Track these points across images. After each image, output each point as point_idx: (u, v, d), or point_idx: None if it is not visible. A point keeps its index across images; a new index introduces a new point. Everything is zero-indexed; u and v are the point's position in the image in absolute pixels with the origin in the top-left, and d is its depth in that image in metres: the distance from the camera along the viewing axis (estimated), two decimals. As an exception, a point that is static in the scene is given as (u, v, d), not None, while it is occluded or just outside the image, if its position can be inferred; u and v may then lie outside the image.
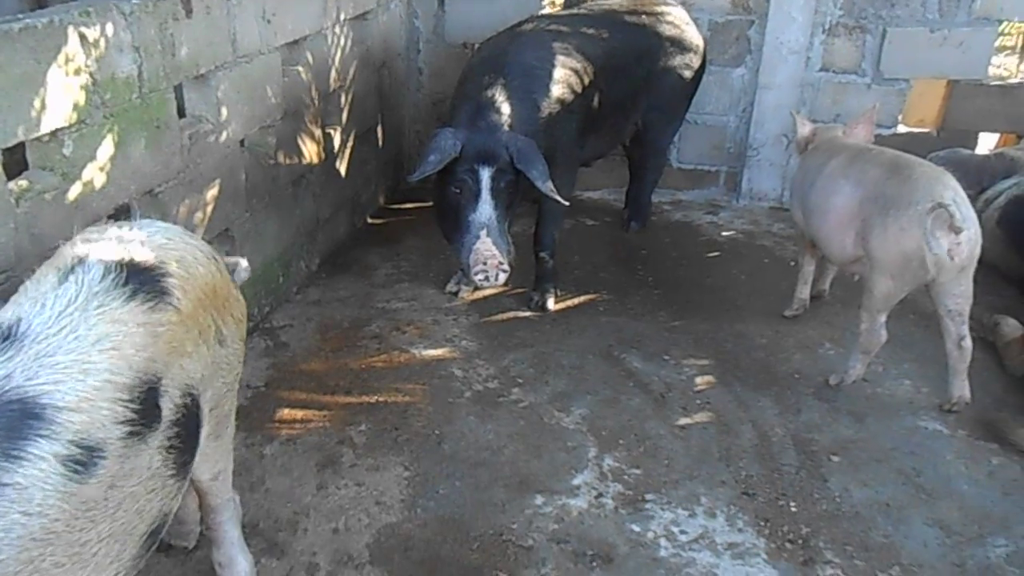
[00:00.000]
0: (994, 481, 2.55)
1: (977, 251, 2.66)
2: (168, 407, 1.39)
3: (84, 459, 1.22)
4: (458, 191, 3.04)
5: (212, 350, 1.56)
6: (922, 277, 2.69)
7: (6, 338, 1.26)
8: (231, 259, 1.90)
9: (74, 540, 1.23)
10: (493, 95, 3.13)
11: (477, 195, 3.01)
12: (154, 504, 1.38)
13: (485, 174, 3.01)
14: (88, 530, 1.24)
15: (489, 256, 2.96)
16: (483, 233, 2.98)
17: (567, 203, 3.19)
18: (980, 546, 2.29)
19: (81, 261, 1.41)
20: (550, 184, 3.03)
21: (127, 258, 1.44)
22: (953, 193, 2.64)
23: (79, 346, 1.28)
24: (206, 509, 1.92)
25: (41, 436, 1.18)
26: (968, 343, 2.78)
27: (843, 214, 2.87)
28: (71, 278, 1.37)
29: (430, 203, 4.66)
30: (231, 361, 1.67)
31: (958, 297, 2.70)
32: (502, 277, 3.01)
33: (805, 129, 3.31)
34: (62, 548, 1.21)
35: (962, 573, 2.20)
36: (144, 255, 1.47)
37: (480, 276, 2.98)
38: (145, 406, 1.33)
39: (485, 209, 3.01)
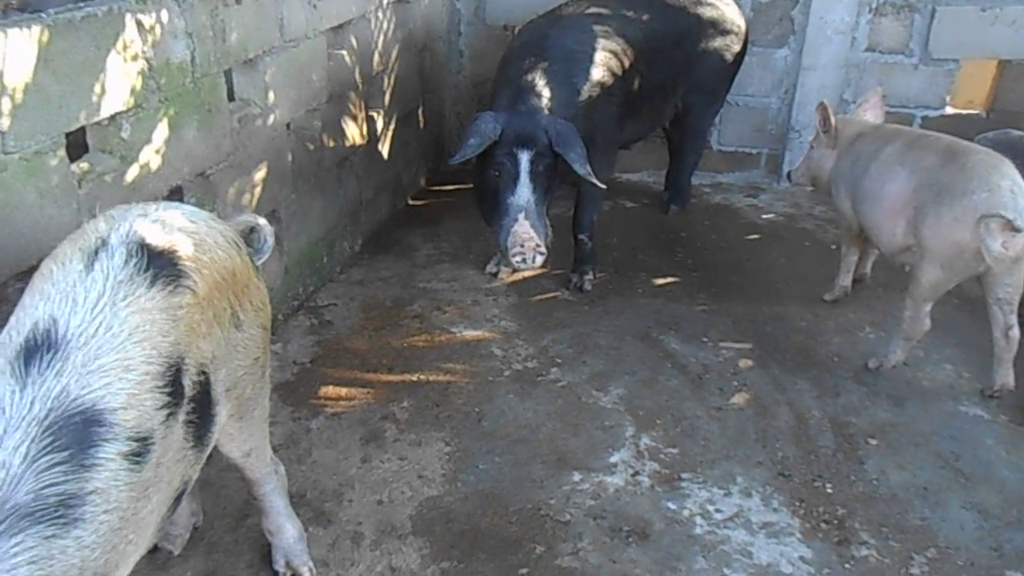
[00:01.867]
0: (1035, 467, 2.54)
1: None
2: (188, 384, 1.45)
3: (140, 449, 1.31)
4: (497, 174, 3.08)
5: (227, 332, 1.60)
6: (974, 268, 2.66)
7: (49, 347, 1.29)
8: (247, 217, 1.92)
9: (138, 518, 1.35)
10: (533, 79, 3.16)
11: (516, 178, 3.04)
12: (179, 471, 1.48)
13: (524, 157, 3.03)
14: (145, 506, 1.36)
15: (527, 239, 2.99)
16: (521, 216, 3.01)
17: (605, 187, 3.21)
18: (1019, 530, 2.29)
19: (104, 244, 1.42)
20: (588, 168, 3.06)
21: (148, 241, 1.45)
22: (1011, 183, 2.58)
23: (116, 343, 1.32)
24: (248, 482, 1.99)
25: (106, 440, 1.26)
26: (1016, 332, 2.74)
27: (896, 201, 2.83)
28: (96, 265, 1.39)
29: (470, 185, 4.74)
30: (248, 345, 1.68)
31: (1009, 287, 2.66)
32: (539, 260, 3.03)
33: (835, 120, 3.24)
34: (131, 527, 1.33)
35: (999, 557, 2.20)
36: (163, 237, 1.49)
37: (518, 258, 3.01)
38: (174, 387, 1.40)
39: (523, 192, 3.04)
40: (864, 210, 3.03)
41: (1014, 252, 2.54)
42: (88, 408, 1.26)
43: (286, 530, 2.08)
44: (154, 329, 1.38)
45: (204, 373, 1.51)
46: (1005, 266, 2.59)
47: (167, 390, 1.37)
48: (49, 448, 1.21)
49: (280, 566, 2.09)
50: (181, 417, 1.43)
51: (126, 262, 1.41)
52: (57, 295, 1.35)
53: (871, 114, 3.26)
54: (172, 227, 1.53)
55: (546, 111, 3.10)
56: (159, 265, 1.44)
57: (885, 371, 2.98)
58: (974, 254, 2.60)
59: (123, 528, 1.30)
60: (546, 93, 3.14)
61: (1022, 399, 2.83)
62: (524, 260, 3.01)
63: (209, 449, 1.62)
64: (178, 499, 1.51)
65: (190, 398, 1.46)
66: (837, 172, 3.21)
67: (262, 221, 1.90)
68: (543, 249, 3.04)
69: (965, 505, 2.38)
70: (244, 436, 1.82)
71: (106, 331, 1.33)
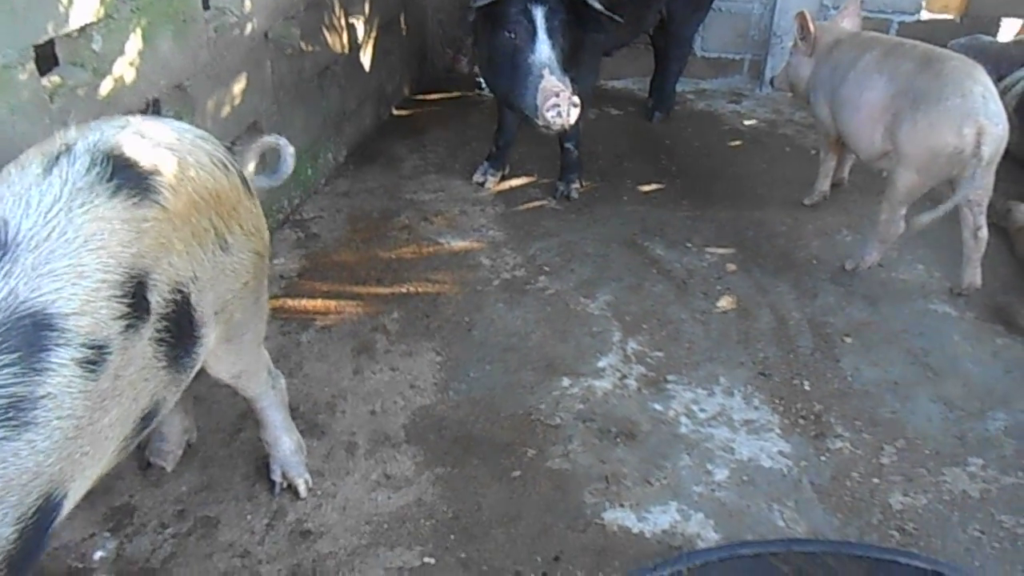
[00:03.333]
0: (997, 360, 2.66)
1: (1003, 146, 2.66)
2: (157, 300, 1.42)
3: (95, 358, 1.30)
4: (512, 35, 2.96)
5: (211, 254, 1.56)
6: (948, 172, 2.71)
7: None
8: (269, 139, 1.90)
9: (95, 429, 1.35)
10: None
11: (534, 34, 2.93)
12: (147, 390, 1.46)
13: (539, 12, 2.93)
14: (102, 418, 1.36)
15: (559, 89, 2.85)
16: (546, 72, 2.89)
17: (620, 19, 3.09)
18: (980, 420, 2.42)
19: (68, 150, 1.38)
20: (601, 6, 2.97)
21: (117, 151, 1.41)
22: (983, 88, 2.62)
23: (70, 249, 1.29)
24: (245, 398, 2.02)
25: (58, 345, 1.25)
26: (984, 233, 2.83)
27: (875, 108, 2.86)
28: (55, 170, 1.35)
29: (455, 93, 4.70)
30: (237, 269, 1.65)
31: (979, 189, 2.71)
32: (575, 113, 2.89)
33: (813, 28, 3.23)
34: (87, 437, 1.33)
35: (962, 445, 2.33)
36: (136, 150, 1.44)
37: (552, 112, 2.85)
38: (136, 300, 1.37)
39: (543, 48, 2.92)
40: (843, 117, 3.05)
41: (987, 155, 2.59)
42: (38, 311, 1.23)
43: (283, 442, 2.11)
44: (113, 239, 1.34)
45: (181, 292, 1.48)
46: (977, 169, 2.64)
47: (126, 300, 1.34)
48: None
49: (277, 476, 2.13)
50: (147, 332, 1.40)
51: (88, 170, 1.36)
52: (11, 197, 1.31)
53: (849, 22, 3.25)
54: (149, 141, 1.48)
55: None
56: (125, 176, 1.39)
57: (861, 272, 3.06)
58: (948, 158, 2.65)
59: (78, 437, 1.30)
60: None
61: (988, 296, 2.93)
62: (560, 113, 2.85)
63: (192, 372, 1.61)
64: (147, 419, 1.50)
65: (162, 315, 1.43)
66: (816, 79, 3.21)
67: (283, 141, 1.87)
68: (577, 100, 2.91)
69: (932, 398, 2.50)
70: (233, 359, 1.82)
71: (59, 236, 1.29)
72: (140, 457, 2.19)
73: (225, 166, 1.63)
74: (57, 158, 1.37)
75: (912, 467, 2.25)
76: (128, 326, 1.36)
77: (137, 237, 1.38)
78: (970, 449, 2.31)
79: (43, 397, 1.22)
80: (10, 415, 1.18)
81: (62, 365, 1.25)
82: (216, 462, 2.23)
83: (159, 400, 1.51)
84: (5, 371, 1.19)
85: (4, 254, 1.25)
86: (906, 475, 2.23)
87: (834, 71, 3.09)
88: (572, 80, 2.97)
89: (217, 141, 1.67)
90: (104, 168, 1.38)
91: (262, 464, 2.18)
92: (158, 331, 1.44)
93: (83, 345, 1.28)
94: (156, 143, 1.49)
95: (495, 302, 2.92)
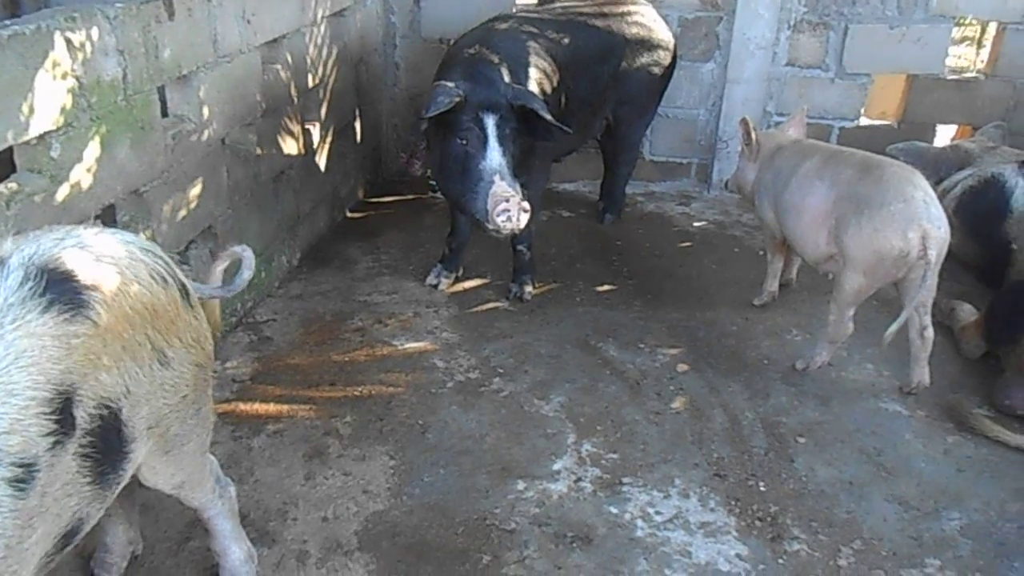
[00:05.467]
0: (949, 459, 2.69)
1: (946, 248, 2.77)
2: (82, 416, 1.40)
3: (25, 476, 1.29)
4: (464, 141, 3.03)
5: (148, 370, 1.55)
6: (893, 274, 2.81)
7: None
8: (235, 249, 1.91)
9: (22, 548, 1.32)
10: (485, 58, 3.18)
11: (485, 142, 3.00)
12: (70, 506, 1.43)
13: (490, 121, 3.01)
14: (30, 536, 1.34)
15: (509, 195, 2.91)
16: (496, 178, 2.95)
17: (569, 130, 3.18)
18: (936, 519, 2.43)
19: (2, 263, 1.38)
20: (551, 116, 3.06)
21: (51, 265, 1.40)
22: (923, 193, 2.76)
23: (1, 367, 1.29)
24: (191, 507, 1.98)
25: None
26: (930, 332, 2.91)
27: (818, 213, 2.97)
28: None
29: (409, 196, 4.78)
30: (177, 383, 1.64)
31: (924, 290, 2.78)
32: (524, 218, 2.95)
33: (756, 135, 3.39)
34: (15, 557, 1.31)
35: (919, 545, 2.33)
36: (70, 264, 1.43)
37: (502, 217, 2.91)
38: (63, 416, 1.36)
39: (494, 156, 2.99)
40: (787, 222, 3.16)
41: (931, 258, 2.70)
42: None
43: (232, 552, 2.06)
44: (43, 355, 1.33)
45: (108, 407, 1.46)
46: (922, 271, 2.74)
47: (54, 417, 1.33)
48: None
49: None
50: (72, 448, 1.39)
51: (21, 284, 1.36)
52: None
53: (794, 130, 3.43)
54: (87, 254, 1.47)
55: (503, 80, 3.11)
56: (58, 291, 1.38)
57: (812, 372, 3.12)
58: (894, 261, 2.75)
59: (7, 557, 1.28)
60: (500, 68, 3.15)
61: (937, 395, 3.00)
62: (509, 218, 2.91)
63: (117, 488, 1.58)
64: (70, 536, 1.47)
65: (87, 431, 1.41)
66: (760, 184, 3.35)
67: (248, 254, 1.89)
68: (527, 206, 2.97)
69: (887, 498, 2.51)
70: (172, 470, 1.78)
71: None
72: (85, 568, 2.11)
73: (164, 279, 1.61)
74: None
75: (870, 569, 2.24)
76: (55, 442, 1.34)
77: (67, 353, 1.37)
78: (927, 550, 2.32)
79: None
80: None
81: None
82: (163, 573, 2.16)
83: (82, 517, 1.48)
84: None
85: None
86: (864, 577, 2.21)
87: (777, 176, 3.23)
88: (522, 185, 3.06)
89: (161, 253, 1.67)
90: (37, 283, 1.37)
91: (211, 575, 2.10)
92: (83, 447, 1.42)
93: (13, 464, 1.26)
94: (95, 257, 1.48)
95: (449, 404, 2.90)
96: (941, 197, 3.74)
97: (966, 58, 6.55)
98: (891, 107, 4.93)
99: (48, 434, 1.32)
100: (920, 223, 2.69)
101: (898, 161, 3.01)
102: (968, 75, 4.84)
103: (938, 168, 3.77)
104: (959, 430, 2.82)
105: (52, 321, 1.36)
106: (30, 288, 1.36)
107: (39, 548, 1.38)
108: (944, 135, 5.01)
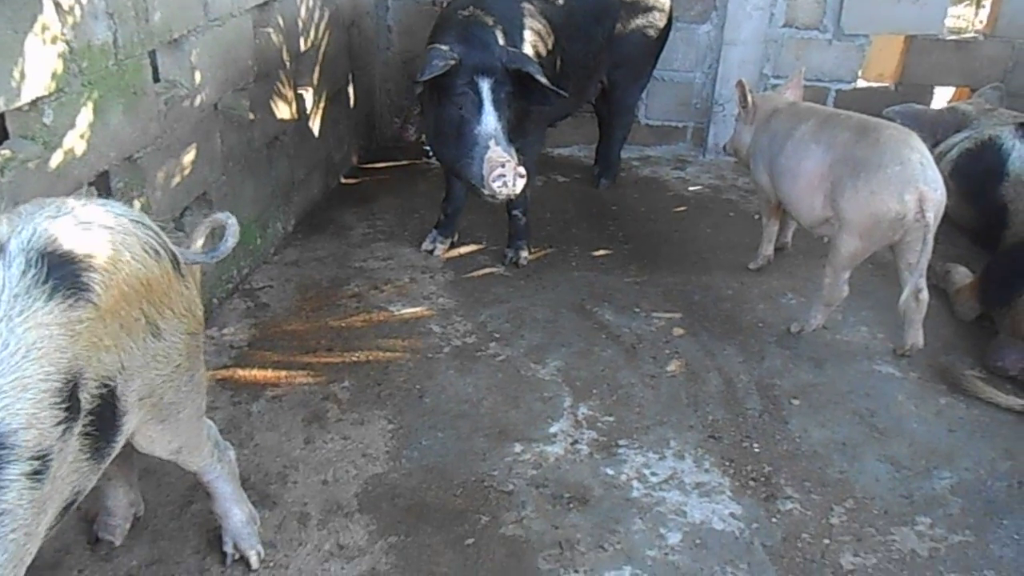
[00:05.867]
0: (941, 419, 2.72)
1: (942, 210, 2.77)
2: (85, 398, 1.42)
3: (41, 467, 1.31)
4: (459, 106, 3.01)
5: (142, 343, 1.55)
6: (890, 237, 2.81)
7: None
8: (219, 216, 1.89)
9: (38, 532, 1.37)
10: (479, 18, 3.13)
11: (480, 106, 2.98)
12: (70, 482, 1.46)
13: (485, 85, 2.98)
14: (43, 520, 1.38)
15: (504, 160, 2.89)
16: (492, 143, 2.93)
17: (566, 94, 3.15)
18: (927, 479, 2.47)
19: (2, 250, 1.36)
20: (546, 79, 3.03)
21: (50, 248, 1.38)
22: (920, 155, 2.75)
23: (13, 361, 1.29)
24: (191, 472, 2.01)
25: (10, 462, 1.26)
26: (925, 295, 2.91)
27: (813, 177, 2.96)
28: None
29: (403, 162, 4.76)
30: (169, 354, 1.65)
31: (920, 253, 2.79)
32: (520, 183, 2.93)
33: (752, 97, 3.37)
34: (33, 542, 1.36)
35: (910, 504, 2.37)
36: (67, 244, 1.41)
37: (498, 183, 2.89)
38: (71, 402, 1.37)
39: (490, 120, 2.97)
40: (783, 186, 3.15)
41: (927, 221, 2.70)
42: None
43: (234, 514, 2.09)
44: (51, 345, 1.33)
45: (107, 386, 1.47)
46: (918, 234, 2.75)
47: (64, 406, 1.35)
48: None
49: (228, 548, 2.10)
50: (77, 430, 1.41)
51: (24, 272, 1.34)
52: None
53: (791, 93, 3.40)
54: (80, 232, 1.45)
55: (498, 43, 3.07)
56: (59, 276, 1.37)
57: (806, 335, 3.14)
58: (891, 224, 2.75)
59: (28, 544, 1.33)
60: (495, 30, 3.11)
61: (930, 357, 3.02)
62: (505, 183, 2.89)
63: (110, 459, 1.60)
64: (68, 509, 1.50)
65: (88, 411, 1.43)
66: (755, 147, 3.33)
67: (232, 221, 1.87)
68: (523, 171, 2.95)
69: (879, 458, 2.55)
70: (168, 437, 1.80)
71: (3, 349, 1.28)
72: (88, 531, 2.14)
73: (156, 251, 1.60)
74: None
75: (861, 527, 2.28)
76: (66, 429, 1.36)
77: (72, 340, 1.37)
78: (917, 508, 2.35)
79: (2, 514, 1.25)
80: None
81: (14, 481, 1.26)
82: (166, 535, 2.18)
83: (80, 490, 1.51)
84: None
85: None
86: (856, 535, 2.25)
87: (772, 140, 3.21)
88: (518, 150, 3.04)
89: (150, 223, 1.65)
90: (39, 270, 1.36)
91: (213, 536, 2.14)
92: (85, 427, 1.44)
93: (31, 458, 1.29)
94: (87, 234, 1.46)
95: (446, 369, 2.92)
96: (938, 160, 3.74)
97: (965, 18, 6.48)
98: (889, 69, 4.89)
99: (59, 423, 1.34)
100: (917, 186, 2.69)
101: (895, 124, 2.99)
102: (967, 35, 4.80)
103: (935, 130, 3.75)
104: (951, 392, 2.85)
105: (57, 309, 1.35)
106: (33, 276, 1.35)
107: (45, 526, 1.42)
108: (942, 97, 4.99)
